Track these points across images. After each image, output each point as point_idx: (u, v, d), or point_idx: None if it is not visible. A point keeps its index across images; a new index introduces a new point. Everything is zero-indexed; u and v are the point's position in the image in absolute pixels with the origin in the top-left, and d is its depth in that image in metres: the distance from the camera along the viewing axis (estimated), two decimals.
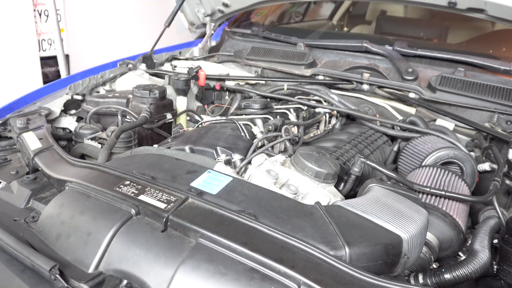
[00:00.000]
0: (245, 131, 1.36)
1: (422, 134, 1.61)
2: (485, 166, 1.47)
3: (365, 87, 1.95)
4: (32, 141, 1.24)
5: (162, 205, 0.84)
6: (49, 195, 1.04)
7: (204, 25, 2.61)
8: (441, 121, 1.78)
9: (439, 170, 1.32)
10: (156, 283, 0.73)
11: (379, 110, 1.91)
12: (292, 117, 1.63)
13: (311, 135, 1.75)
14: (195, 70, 1.88)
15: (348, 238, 0.79)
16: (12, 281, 0.75)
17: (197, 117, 1.81)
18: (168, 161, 1.08)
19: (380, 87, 1.93)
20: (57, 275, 0.74)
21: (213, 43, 2.60)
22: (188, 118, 1.86)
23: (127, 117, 1.51)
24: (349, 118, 1.99)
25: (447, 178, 1.28)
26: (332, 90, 1.97)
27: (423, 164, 1.44)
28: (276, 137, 1.35)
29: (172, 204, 0.84)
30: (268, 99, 1.79)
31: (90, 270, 0.78)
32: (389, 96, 1.90)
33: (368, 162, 1.21)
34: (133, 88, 1.62)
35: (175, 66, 2.23)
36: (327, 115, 1.83)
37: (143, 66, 2.17)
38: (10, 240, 0.81)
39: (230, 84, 2.05)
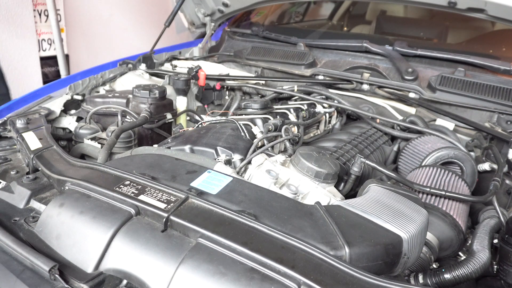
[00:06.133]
0: (245, 131, 1.36)
1: (422, 134, 1.61)
2: (485, 166, 1.47)
3: (365, 87, 1.95)
4: (32, 141, 1.24)
5: (162, 205, 0.84)
6: (49, 195, 1.04)
7: (204, 25, 2.61)
8: (441, 121, 1.78)
9: (439, 170, 1.32)
10: (156, 283, 0.73)
11: (379, 110, 1.91)
12: (292, 117, 1.63)
13: (311, 135, 1.75)
14: (195, 70, 1.88)
15: (348, 238, 0.79)
16: (12, 281, 0.75)
17: (197, 117, 1.81)
18: (168, 161, 1.08)
19: (380, 87, 1.93)
20: (57, 275, 0.74)
21: (213, 43, 2.60)
22: (188, 118, 1.86)
23: (127, 117, 1.51)
24: (349, 118, 1.99)
25: (447, 178, 1.28)
26: (331, 90, 1.96)
27: (423, 164, 1.44)
28: (276, 137, 1.35)
29: (172, 204, 0.84)
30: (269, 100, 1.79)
31: (90, 270, 0.78)
32: (389, 96, 1.90)
33: (368, 162, 1.21)
34: (133, 88, 1.62)
35: (175, 66, 2.23)
36: (327, 115, 1.83)
37: (143, 66, 2.17)
38: (10, 240, 0.81)
39: (231, 83, 2.05)
